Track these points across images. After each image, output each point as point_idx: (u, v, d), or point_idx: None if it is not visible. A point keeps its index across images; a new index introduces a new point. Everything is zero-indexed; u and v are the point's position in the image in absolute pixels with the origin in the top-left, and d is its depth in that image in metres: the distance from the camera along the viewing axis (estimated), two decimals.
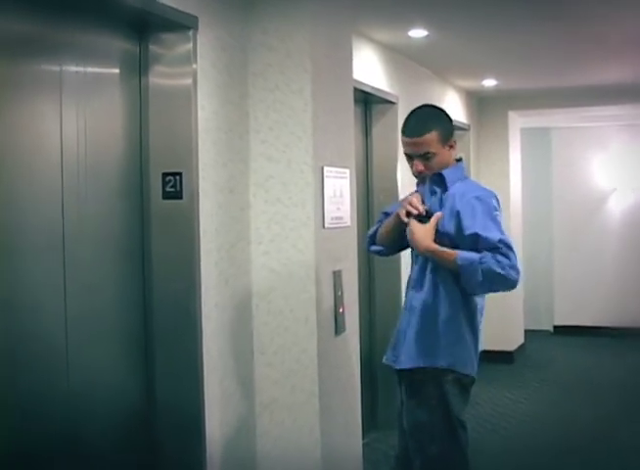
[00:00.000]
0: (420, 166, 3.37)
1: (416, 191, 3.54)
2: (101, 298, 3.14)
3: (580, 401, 7.19)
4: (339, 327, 3.91)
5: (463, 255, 3.20)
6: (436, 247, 3.28)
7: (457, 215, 3.26)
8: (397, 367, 3.41)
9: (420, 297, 3.37)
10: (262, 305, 3.78)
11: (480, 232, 3.20)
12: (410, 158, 3.41)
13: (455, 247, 3.25)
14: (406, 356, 3.36)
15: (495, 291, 3.29)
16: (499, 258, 3.15)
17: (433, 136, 3.33)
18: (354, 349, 4.13)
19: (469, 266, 3.18)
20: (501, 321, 8.65)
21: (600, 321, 10.58)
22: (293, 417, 3.75)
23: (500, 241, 3.18)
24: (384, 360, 3.51)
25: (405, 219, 3.38)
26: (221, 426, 3.54)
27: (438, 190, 3.38)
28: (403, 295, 3.61)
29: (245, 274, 3.75)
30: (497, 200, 3.35)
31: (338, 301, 3.90)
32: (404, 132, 3.40)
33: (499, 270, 3.15)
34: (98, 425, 3.11)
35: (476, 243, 3.20)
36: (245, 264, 3.74)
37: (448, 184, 3.35)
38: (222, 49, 3.59)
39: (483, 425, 6.32)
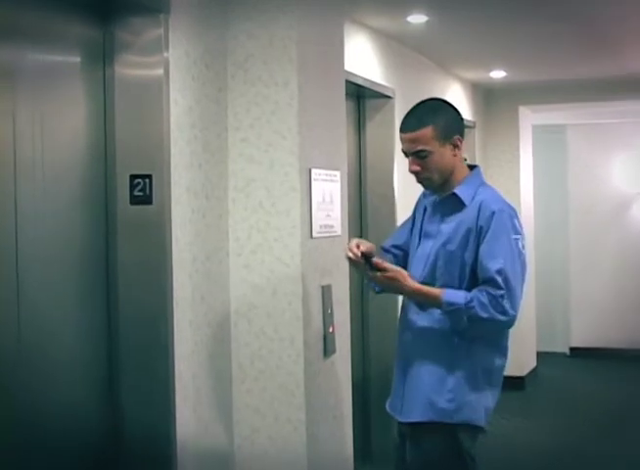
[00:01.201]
0: (414, 166, 3.39)
1: (423, 196, 3.58)
2: (59, 316, 3.13)
3: (601, 433, 7.21)
4: (328, 348, 3.93)
5: (449, 298, 3.26)
6: (420, 286, 3.35)
7: (479, 232, 3.29)
8: (402, 421, 3.46)
9: (417, 339, 3.40)
10: (242, 324, 3.79)
11: (483, 258, 3.26)
12: (407, 155, 3.43)
13: (473, 270, 3.30)
14: (411, 409, 3.41)
15: (487, 333, 3.37)
16: (484, 299, 3.20)
17: (427, 132, 3.34)
18: (345, 372, 4.15)
19: (455, 312, 3.26)
20: (511, 343, 8.67)
21: (622, 343, 10.60)
22: (276, 449, 3.76)
23: (499, 272, 3.22)
24: (387, 408, 3.55)
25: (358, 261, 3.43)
26: (195, 459, 3.54)
27: (453, 213, 3.39)
28: (399, 313, 3.63)
29: (222, 289, 3.76)
30: (518, 218, 3.39)
31: (327, 319, 3.92)
32: (400, 128, 3.44)
33: (484, 315, 3.22)
34: (57, 460, 3.11)
35: (478, 267, 3.28)
36: (222, 278, 3.76)
37: (466, 202, 3.36)
38: (198, 36, 3.60)
39: (493, 458, 6.33)
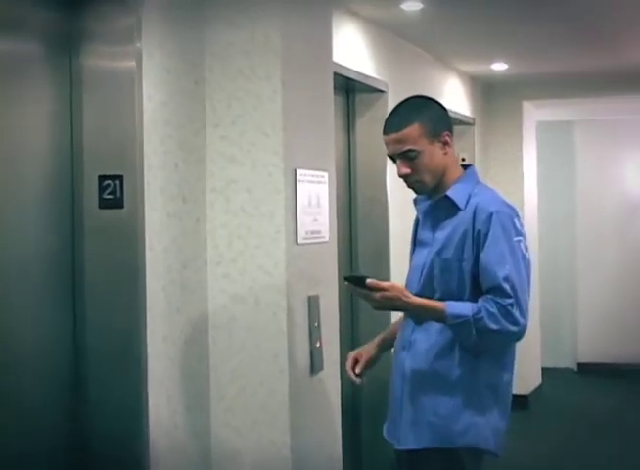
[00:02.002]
0: (404, 169, 3.38)
1: (415, 202, 3.57)
2: (19, 331, 3.12)
3: (613, 458, 7.20)
4: (315, 365, 3.93)
5: (454, 310, 3.25)
6: (422, 300, 3.34)
7: (478, 237, 3.28)
8: (400, 448, 3.46)
9: (415, 359, 3.39)
10: (221, 339, 3.79)
11: (486, 265, 3.25)
12: (394, 160, 3.44)
13: (474, 277, 3.29)
14: (409, 434, 3.40)
15: (496, 347, 3.37)
16: (492, 309, 3.19)
17: (414, 130, 3.34)
18: (334, 391, 4.15)
19: (461, 325, 3.24)
20: (517, 355, 8.67)
21: (636, 358, 10.62)
22: None
23: (505, 279, 3.21)
24: (384, 434, 3.56)
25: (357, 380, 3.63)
26: None
27: (447, 218, 3.39)
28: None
29: (200, 301, 3.75)
30: (519, 216, 3.40)
31: (314, 333, 3.92)
32: (383, 130, 3.43)
33: (495, 326, 3.21)
34: None
35: (482, 275, 3.27)
36: (200, 289, 3.75)
37: (460, 205, 3.36)
38: (173, 25, 3.60)
39: None
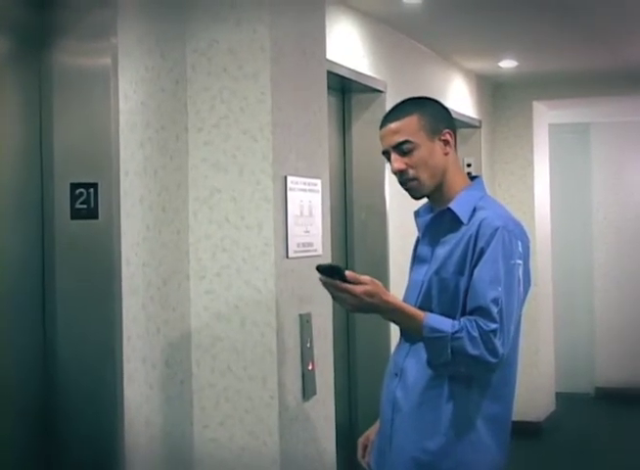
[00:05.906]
0: (398, 163, 3.31)
1: (416, 215, 3.56)
2: None
3: None
4: (307, 389, 3.93)
5: (432, 322, 3.19)
6: (401, 303, 3.28)
7: (479, 255, 3.23)
8: None
9: (406, 388, 3.37)
10: (205, 361, 3.79)
11: (477, 282, 3.18)
12: (389, 157, 3.38)
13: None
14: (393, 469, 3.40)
15: (467, 374, 3.27)
16: (474, 332, 3.11)
17: (412, 121, 3.31)
18: (328, 418, 4.15)
19: (437, 341, 3.17)
20: (524, 382, 8.67)
21: None
22: None
23: (495, 301, 3.14)
24: (372, 464, 3.56)
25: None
26: None
27: (449, 233, 3.34)
28: (392, 347, 3.63)
29: (182, 319, 3.76)
30: (527, 236, 3.35)
31: (306, 354, 3.92)
32: (380, 126, 3.40)
33: (473, 351, 3.12)
34: None
35: (470, 293, 3.22)
36: (182, 306, 3.76)
37: (463, 219, 3.30)
38: (152, 18, 3.61)
39: None
